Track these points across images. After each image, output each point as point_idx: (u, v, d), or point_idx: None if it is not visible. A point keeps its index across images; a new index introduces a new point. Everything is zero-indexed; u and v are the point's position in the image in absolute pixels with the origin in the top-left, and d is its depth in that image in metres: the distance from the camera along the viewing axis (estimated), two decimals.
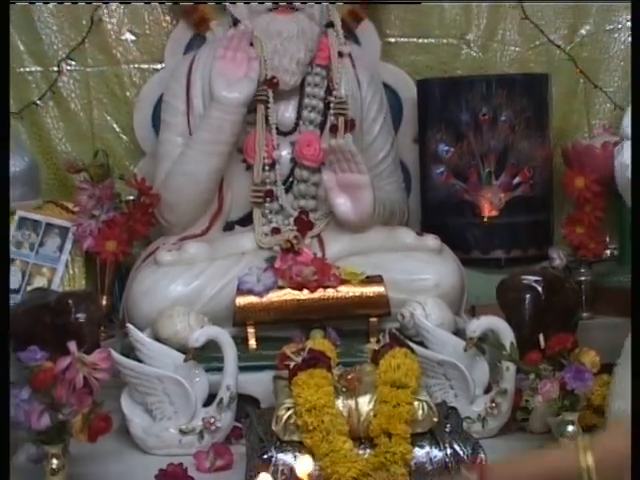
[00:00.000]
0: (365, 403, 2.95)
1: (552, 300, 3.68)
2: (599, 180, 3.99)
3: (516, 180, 4.24)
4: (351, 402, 2.94)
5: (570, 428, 3.13)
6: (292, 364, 3.05)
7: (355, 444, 2.90)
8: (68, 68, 4.48)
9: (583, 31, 4.66)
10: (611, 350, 3.26)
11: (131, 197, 4.04)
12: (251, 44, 3.93)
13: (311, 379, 2.94)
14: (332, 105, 4.00)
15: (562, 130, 4.52)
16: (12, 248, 3.99)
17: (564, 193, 4.27)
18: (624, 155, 3.17)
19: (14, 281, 3.97)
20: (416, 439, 2.92)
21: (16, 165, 4.09)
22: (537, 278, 3.71)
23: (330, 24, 4.11)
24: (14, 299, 3.86)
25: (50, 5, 4.46)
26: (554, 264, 4.02)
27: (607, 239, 4.20)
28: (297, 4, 3.97)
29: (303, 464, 1.98)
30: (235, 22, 4.06)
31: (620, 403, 3.10)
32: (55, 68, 4.49)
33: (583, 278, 4.06)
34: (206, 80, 3.98)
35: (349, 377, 2.97)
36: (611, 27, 4.56)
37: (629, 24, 4.53)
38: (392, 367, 2.99)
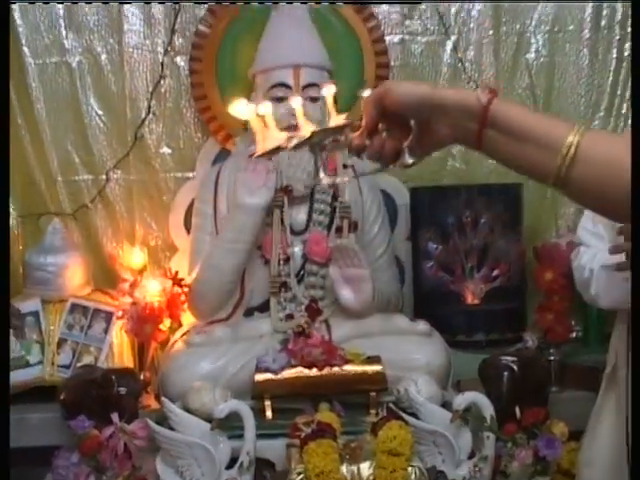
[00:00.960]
0: (366, 469, 2.96)
1: (526, 377, 3.65)
2: (565, 274, 3.97)
3: (494, 273, 4.23)
4: (354, 468, 2.95)
5: None
6: (303, 434, 3.06)
7: None
8: (114, 176, 4.50)
9: None
10: (578, 420, 3.27)
11: (166, 286, 4.02)
12: (270, 158, 3.95)
13: (319, 448, 2.96)
14: (338, 209, 4.03)
15: (533, 230, 4.51)
16: (64, 329, 3.98)
17: (535, 285, 4.27)
18: (580, 260, 3.19)
19: (66, 358, 3.95)
20: None
21: (70, 259, 4.11)
22: (513, 358, 3.69)
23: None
24: (65, 373, 3.88)
25: (100, 123, 4.50)
26: (527, 345, 3.99)
27: (572, 324, 4.17)
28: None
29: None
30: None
31: (588, 471, 3.13)
32: (104, 176, 4.50)
33: (552, 357, 4.00)
34: (231, 188, 4.02)
35: (352, 446, 2.99)
36: None
37: None
38: (389, 438, 3.01)
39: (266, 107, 1.69)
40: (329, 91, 1.78)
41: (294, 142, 1.64)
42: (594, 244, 3.17)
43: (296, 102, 1.76)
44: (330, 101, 1.74)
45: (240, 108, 1.71)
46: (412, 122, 1.66)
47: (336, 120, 1.64)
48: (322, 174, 1.76)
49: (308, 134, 1.62)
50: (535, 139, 1.56)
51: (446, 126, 1.64)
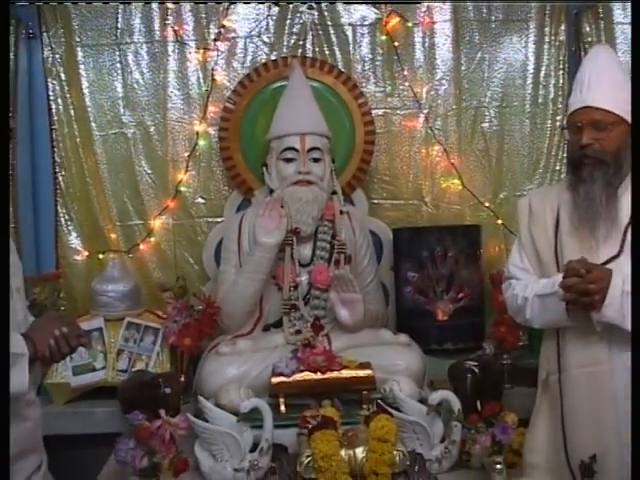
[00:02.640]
0: (360, 452, 2.92)
1: (485, 377, 3.63)
2: None
3: (460, 296, 4.19)
4: (350, 452, 2.91)
5: (498, 466, 3.12)
6: (310, 425, 3.02)
7: None
8: (160, 222, 4.47)
9: (501, 195, 4.64)
10: (525, 410, 3.24)
11: (200, 307, 3.99)
12: (282, 206, 3.93)
13: (323, 436, 2.92)
14: (336, 246, 4.00)
15: (490, 261, 4.46)
16: (122, 342, 3.95)
17: (491, 304, 4.21)
18: (513, 290, 3.13)
19: (123, 364, 3.92)
20: (395, 477, 2.90)
21: (126, 286, 4.08)
22: (475, 363, 3.68)
23: (334, 192, 4.13)
24: (123, 376, 3.86)
25: (149, 179, 4.49)
26: (486, 352, 3.95)
27: (521, 334, 4.11)
28: (312, 178, 3.99)
29: None
30: (271, 191, 4.08)
31: (531, 457, 3.10)
32: (151, 221, 4.48)
33: (505, 361, 3.99)
34: (251, 230, 3.99)
35: (349, 435, 2.96)
36: (518, 193, 4.52)
37: (531, 191, 4.55)
38: (378, 427, 2.97)
39: None
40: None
41: None
42: (523, 277, 3.12)
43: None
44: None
45: None
46: None
47: None
48: None
49: None
50: None
51: None
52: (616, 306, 2.73)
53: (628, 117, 2.89)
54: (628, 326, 2.70)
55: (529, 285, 3.04)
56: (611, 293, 2.74)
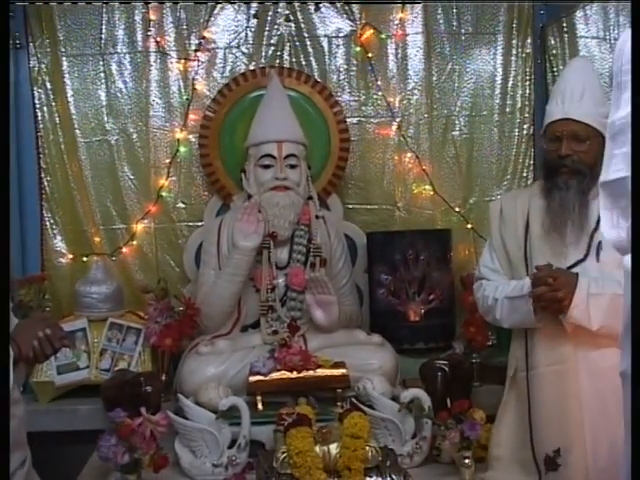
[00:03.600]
0: (334, 448, 2.92)
1: (455, 376, 3.65)
2: None
3: (431, 297, 4.20)
4: (325, 448, 2.91)
5: (467, 460, 3.14)
6: (286, 422, 3.02)
7: (328, 475, 2.87)
8: (142, 225, 4.46)
9: (471, 201, 4.65)
10: (493, 407, 3.26)
11: (181, 309, 4.00)
12: (259, 211, 3.93)
13: (299, 433, 2.92)
14: (312, 250, 3.98)
15: (459, 264, 4.46)
16: (105, 342, 3.95)
17: (461, 305, 4.23)
18: (484, 291, 3.17)
19: (106, 364, 3.92)
20: (367, 471, 2.91)
21: (109, 288, 4.06)
22: (445, 362, 3.70)
23: (310, 197, 4.12)
24: (106, 375, 3.86)
25: (131, 185, 4.47)
26: (456, 351, 3.98)
27: (489, 334, 4.13)
28: (289, 184, 3.98)
29: None
30: (249, 196, 4.07)
31: (496, 450, 3.14)
32: (134, 225, 4.46)
33: (475, 360, 4.00)
34: (230, 234, 3.98)
35: (324, 431, 2.95)
36: (487, 198, 4.53)
37: (499, 196, 4.56)
38: (352, 424, 2.97)
39: None
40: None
41: None
42: (494, 278, 3.16)
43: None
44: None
45: None
46: None
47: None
48: None
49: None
50: None
51: None
52: (582, 307, 2.78)
53: (604, 130, 2.91)
54: (594, 326, 2.75)
55: (499, 286, 3.08)
56: (577, 295, 2.78)
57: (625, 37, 1.44)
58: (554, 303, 2.82)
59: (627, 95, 1.38)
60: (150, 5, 4.43)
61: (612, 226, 1.41)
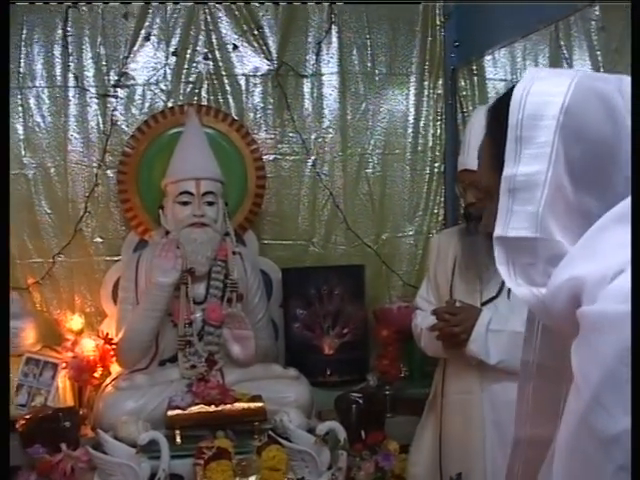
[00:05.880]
0: None
1: (369, 408, 3.71)
2: (396, 331, 4.11)
3: (345, 331, 4.30)
4: None
5: None
6: (206, 456, 3.08)
7: None
8: (59, 260, 4.47)
9: (384, 237, 4.78)
10: (406, 437, 3.40)
11: (98, 343, 4.04)
12: (177, 247, 3.97)
13: (218, 466, 3.01)
14: (228, 285, 4.04)
15: (372, 298, 4.58)
16: (21, 377, 3.95)
17: (375, 339, 4.34)
18: (416, 320, 3.35)
19: (22, 399, 3.92)
20: None
21: (25, 323, 4.08)
22: (359, 394, 3.75)
23: (227, 233, 4.18)
24: (22, 410, 3.85)
25: (49, 219, 4.48)
26: (370, 384, 4.07)
27: (401, 366, 4.25)
28: (206, 220, 4.05)
29: None
30: (167, 232, 4.11)
31: (413, 469, 3.32)
32: (51, 259, 4.46)
33: (387, 392, 4.09)
34: (148, 269, 4.02)
35: (243, 464, 3.03)
36: (400, 234, 4.71)
37: (411, 233, 4.74)
38: (270, 457, 3.07)
39: None
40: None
41: None
42: (425, 308, 3.32)
43: None
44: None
45: None
46: None
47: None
48: None
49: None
50: None
51: None
52: (480, 342, 2.95)
53: None
54: (492, 361, 2.92)
55: (427, 317, 3.24)
56: (476, 330, 2.97)
57: (523, 87, 1.41)
58: (451, 337, 3.01)
59: (531, 151, 1.36)
60: (69, 40, 4.46)
61: (513, 283, 1.38)
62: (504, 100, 1.45)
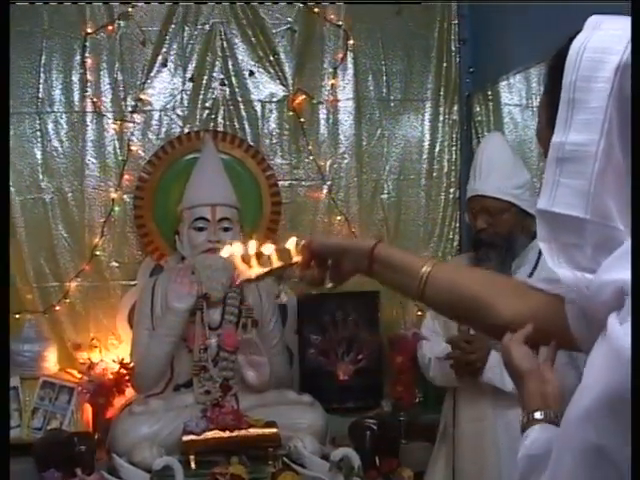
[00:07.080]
0: None
1: (383, 434, 3.75)
2: (411, 357, 4.09)
3: (359, 357, 4.34)
4: None
5: None
6: None
7: None
8: (75, 284, 4.51)
9: None
10: (421, 464, 3.42)
11: (114, 368, 4.08)
12: (193, 273, 4.02)
13: None
14: (243, 311, 4.07)
15: (387, 325, 4.59)
16: (37, 400, 4.00)
17: (389, 365, 4.37)
18: (422, 349, 3.38)
19: (38, 422, 3.98)
20: None
21: (41, 346, 4.14)
22: (374, 420, 3.78)
23: None
24: (38, 434, 3.90)
25: (65, 243, 4.51)
26: (384, 410, 4.10)
27: (416, 392, 4.27)
28: (222, 246, 4.05)
29: None
30: (183, 258, 4.17)
31: None
32: (67, 284, 4.50)
33: (402, 418, 4.11)
34: (164, 295, 4.06)
35: None
36: None
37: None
38: None
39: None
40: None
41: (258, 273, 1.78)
42: (433, 338, 3.35)
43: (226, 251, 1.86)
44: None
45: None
46: (329, 261, 1.78)
47: (277, 263, 1.77)
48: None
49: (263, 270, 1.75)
50: (404, 269, 1.66)
51: (350, 263, 1.74)
52: (496, 370, 2.98)
53: (518, 201, 3.12)
54: (507, 387, 2.93)
55: (435, 347, 3.27)
56: (492, 358, 3.00)
57: (581, 41, 1.25)
58: (467, 366, 3.04)
59: (582, 117, 1.22)
60: (87, 66, 4.53)
61: (555, 262, 1.28)
62: (563, 54, 1.28)
